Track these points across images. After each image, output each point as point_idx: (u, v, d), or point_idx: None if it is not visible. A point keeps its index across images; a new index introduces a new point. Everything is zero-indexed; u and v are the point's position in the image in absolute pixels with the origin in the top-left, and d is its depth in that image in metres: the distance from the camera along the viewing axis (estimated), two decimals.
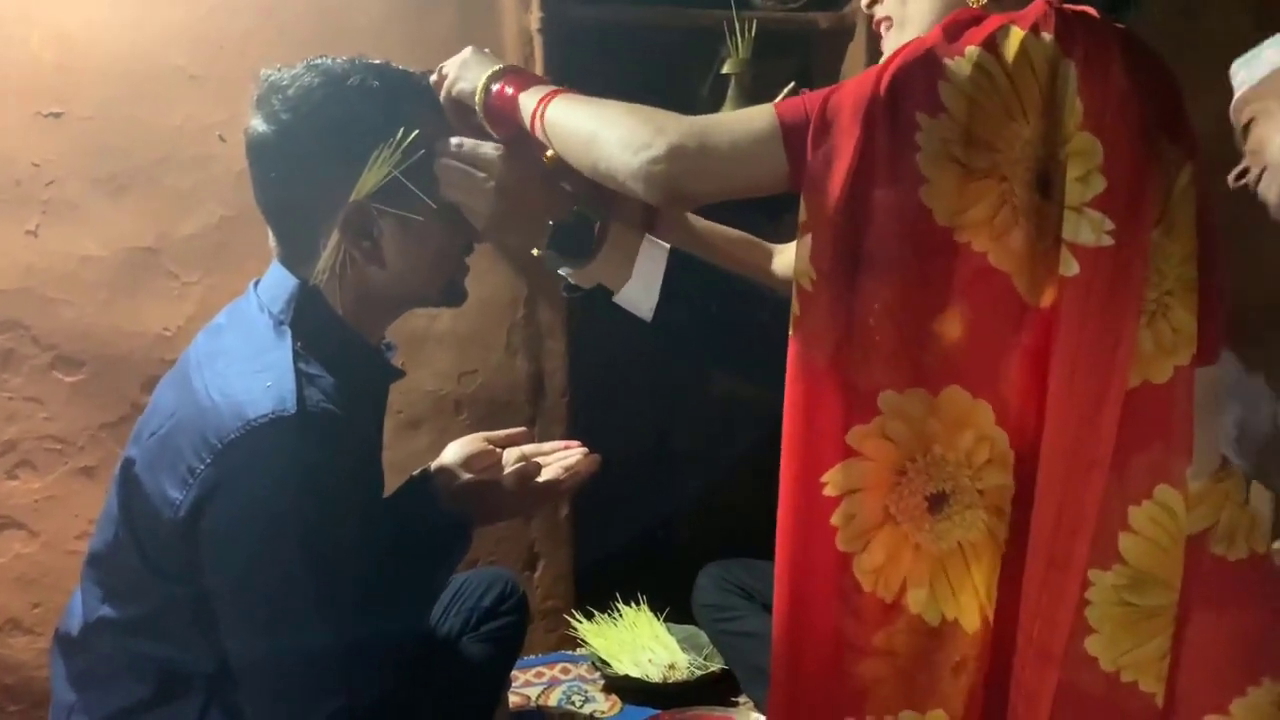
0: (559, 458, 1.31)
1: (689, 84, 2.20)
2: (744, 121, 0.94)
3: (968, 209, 0.85)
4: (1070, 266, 0.84)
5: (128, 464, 1.05)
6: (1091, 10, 0.88)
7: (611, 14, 2.03)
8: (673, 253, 1.10)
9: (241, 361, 1.02)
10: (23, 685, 1.87)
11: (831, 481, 0.90)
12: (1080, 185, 0.83)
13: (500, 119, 1.08)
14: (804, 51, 2.27)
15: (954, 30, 0.87)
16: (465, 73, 1.11)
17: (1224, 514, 0.93)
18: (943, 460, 0.89)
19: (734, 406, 2.16)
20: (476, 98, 1.08)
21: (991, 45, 0.84)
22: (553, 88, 1.05)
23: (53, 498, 1.84)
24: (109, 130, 1.78)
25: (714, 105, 2.09)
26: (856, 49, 2.09)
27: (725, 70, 2.06)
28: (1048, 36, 0.83)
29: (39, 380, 1.81)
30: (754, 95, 2.06)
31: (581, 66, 1.96)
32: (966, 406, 0.88)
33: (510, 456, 1.32)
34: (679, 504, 2.48)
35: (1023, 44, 0.83)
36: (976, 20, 0.87)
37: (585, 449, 1.33)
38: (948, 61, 0.84)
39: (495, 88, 1.07)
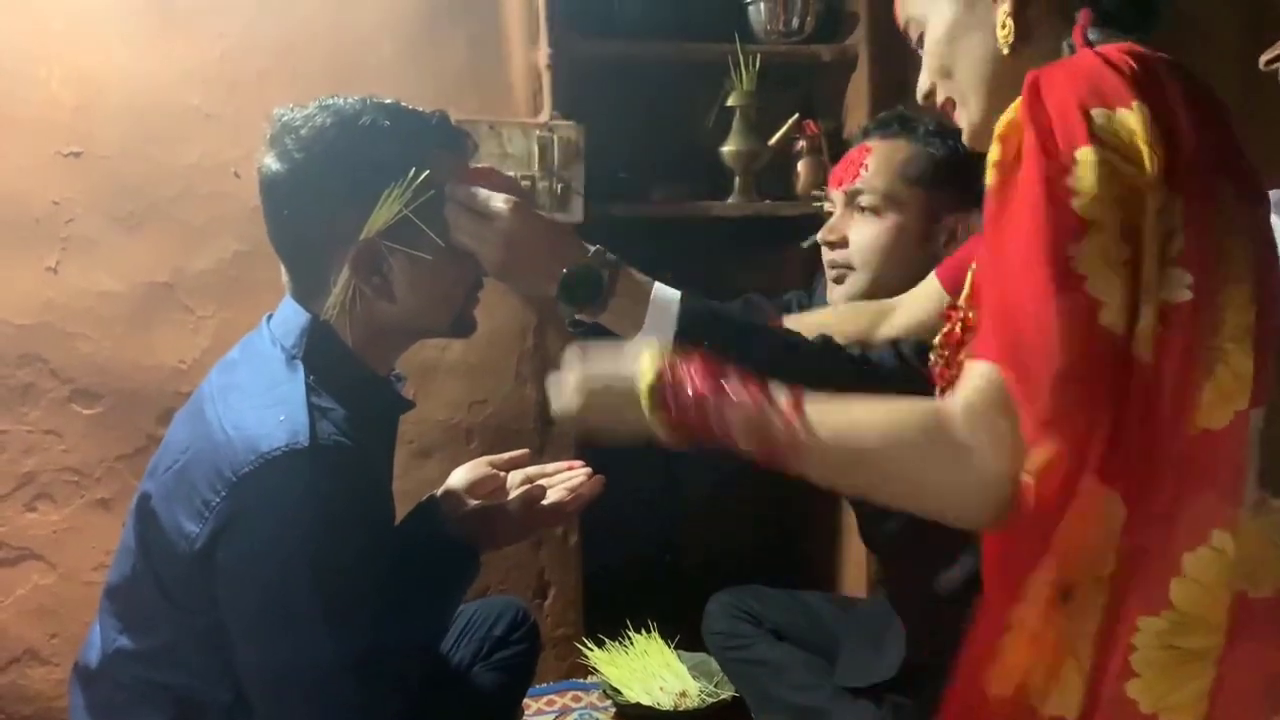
0: (563, 479, 1.32)
1: (694, 117, 2.23)
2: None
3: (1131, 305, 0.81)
4: (1150, 321, 0.81)
5: (144, 498, 1.07)
6: (1134, 49, 0.85)
7: (618, 49, 2.07)
8: (684, 302, 1.11)
9: (255, 395, 1.04)
10: (41, 716, 1.88)
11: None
12: (1168, 242, 0.81)
13: (686, 432, 0.91)
14: (807, 84, 2.30)
15: (1042, 133, 0.82)
16: (608, 397, 0.95)
17: (1251, 550, 0.89)
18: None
19: None
20: (649, 416, 0.91)
21: (1096, 138, 0.80)
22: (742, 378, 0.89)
23: (71, 529, 1.87)
24: (126, 168, 1.82)
25: (719, 137, 2.12)
26: (859, 81, 2.12)
27: (730, 103, 2.10)
28: (1135, 104, 0.80)
29: (57, 413, 1.84)
30: (759, 127, 2.10)
31: (589, 101, 2.00)
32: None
33: (515, 479, 1.33)
34: (688, 531, 2.48)
35: (1120, 125, 0.80)
36: (1036, 96, 0.83)
37: (589, 470, 1.34)
38: (1068, 180, 0.80)
39: (671, 393, 0.90)
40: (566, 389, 0.97)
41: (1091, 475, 0.82)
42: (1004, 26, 0.92)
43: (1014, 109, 0.85)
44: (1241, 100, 2.26)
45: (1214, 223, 0.83)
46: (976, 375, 0.83)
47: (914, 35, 1.04)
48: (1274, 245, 0.91)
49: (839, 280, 1.52)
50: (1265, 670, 0.91)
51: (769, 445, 0.87)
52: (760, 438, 0.87)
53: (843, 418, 0.87)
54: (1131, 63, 0.83)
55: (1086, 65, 0.84)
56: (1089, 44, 0.89)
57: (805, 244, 1.76)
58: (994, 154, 0.85)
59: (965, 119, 1.00)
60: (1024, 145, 0.83)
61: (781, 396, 0.87)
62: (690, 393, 0.89)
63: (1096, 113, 0.81)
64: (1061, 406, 0.80)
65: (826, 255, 1.55)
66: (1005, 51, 0.93)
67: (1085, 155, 0.80)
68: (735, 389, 0.88)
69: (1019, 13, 0.92)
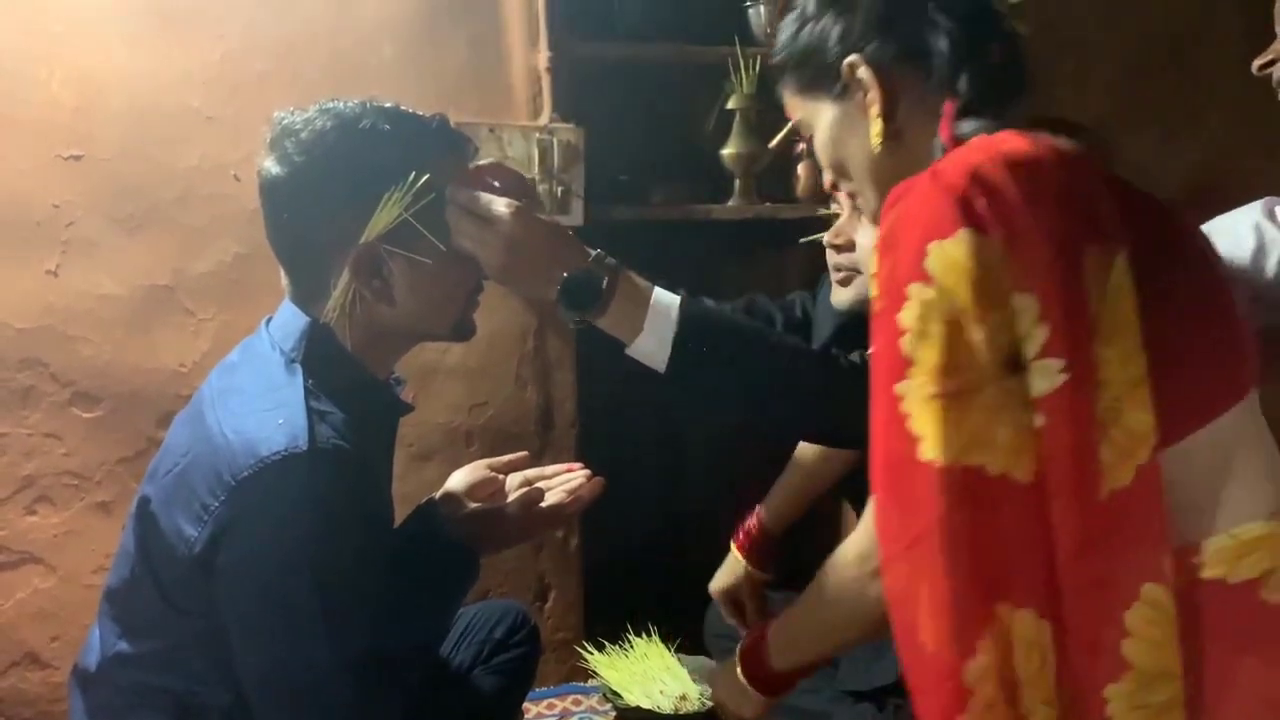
0: (561, 481, 1.32)
1: (694, 119, 2.23)
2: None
3: (972, 438, 0.84)
4: (1038, 420, 0.83)
5: (143, 501, 1.07)
6: (987, 143, 0.85)
7: (618, 52, 2.07)
8: (685, 306, 1.11)
9: (254, 399, 1.04)
10: (41, 719, 1.88)
11: None
12: (1027, 343, 0.82)
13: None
14: None
15: (887, 265, 0.85)
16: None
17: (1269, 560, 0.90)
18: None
19: (744, 437, 2.17)
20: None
21: (924, 274, 0.82)
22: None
23: (70, 532, 1.87)
24: (127, 171, 1.82)
25: (719, 139, 2.12)
26: None
27: (730, 105, 2.10)
28: (960, 232, 0.80)
29: (57, 416, 1.84)
30: (759, 130, 2.09)
31: (589, 104, 2.00)
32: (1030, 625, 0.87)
33: (514, 482, 1.33)
34: (689, 534, 2.48)
35: (946, 258, 0.81)
36: (889, 226, 0.86)
37: (588, 471, 1.34)
38: (900, 317, 0.83)
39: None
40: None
41: (999, 603, 0.84)
42: (875, 127, 0.95)
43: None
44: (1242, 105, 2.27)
45: (1079, 300, 0.83)
46: (867, 512, 0.95)
47: (805, 137, 1.07)
48: (1198, 253, 0.92)
49: (845, 283, 1.52)
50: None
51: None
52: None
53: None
54: (983, 169, 0.82)
55: (922, 192, 0.84)
56: (958, 138, 0.90)
57: (804, 240, 1.76)
58: (872, 267, 0.87)
59: (865, 210, 1.04)
60: (878, 276, 0.86)
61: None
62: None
63: (932, 245, 0.81)
64: (895, 549, 0.87)
65: (832, 258, 1.54)
66: (878, 151, 0.96)
67: (912, 291, 0.81)
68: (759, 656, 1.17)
69: (887, 113, 0.94)
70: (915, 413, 0.83)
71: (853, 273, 1.52)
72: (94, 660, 1.13)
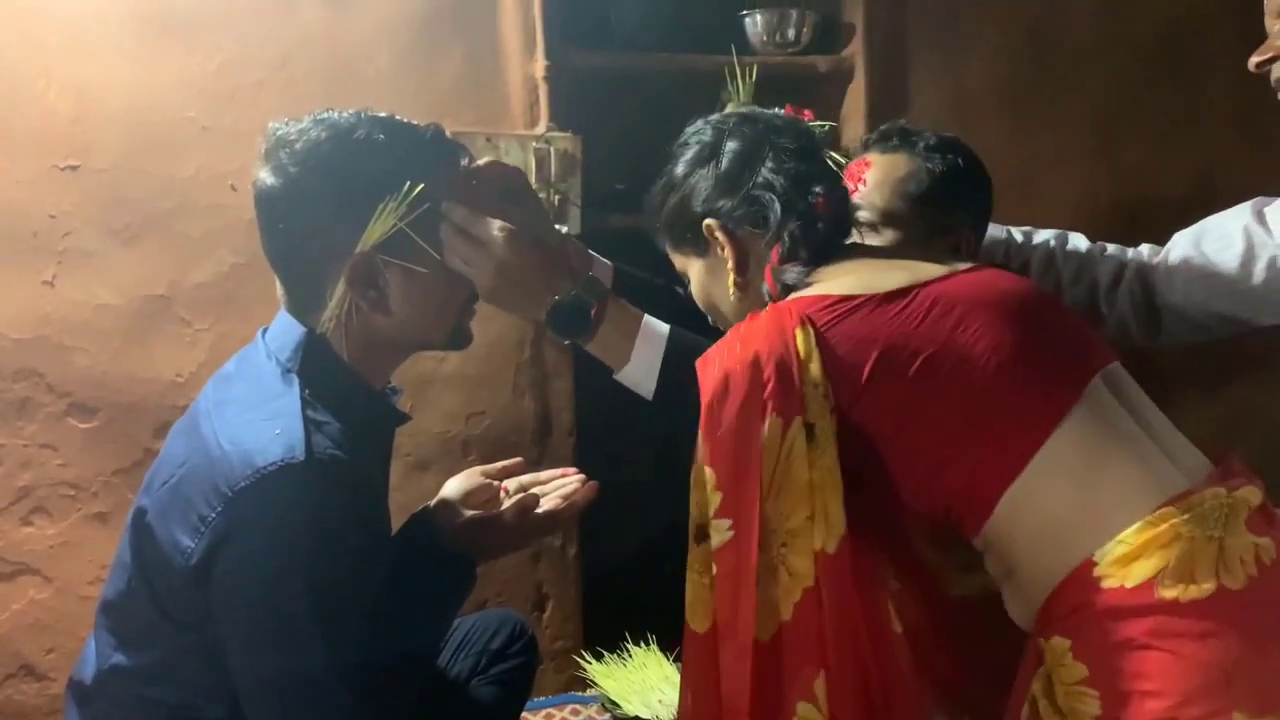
0: (556, 486, 1.33)
1: None
2: None
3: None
4: (713, 569, 1.02)
5: (139, 513, 1.07)
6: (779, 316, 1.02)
7: (615, 61, 2.07)
8: (673, 337, 1.12)
9: (250, 410, 1.04)
10: None
11: None
12: (708, 508, 1.01)
13: None
14: (804, 95, 2.30)
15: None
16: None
17: (1174, 552, 0.91)
18: None
19: None
20: None
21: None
22: None
23: (67, 543, 1.86)
24: (123, 181, 1.82)
25: None
26: (855, 92, 2.13)
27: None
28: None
29: (54, 427, 1.84)
30: None
31: (586, 113, 2.00)
32: None
33: (510, 487, 1.33)
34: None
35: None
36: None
37: (582, 476, 1.34)
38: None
39: None
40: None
41: None
42: (729, 280, 1.13)
43: None
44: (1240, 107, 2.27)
45: (745, 462, 0.99)
46: None
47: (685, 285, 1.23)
48: (930, 356, 1.01)
49: None
50: (1210, 668, 0.91)
51: None
52: None
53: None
54: (721, 364, 1.02)
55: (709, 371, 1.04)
56: (782, 284, 1.09)
57: None
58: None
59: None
60: None
61: None
62: None
63: None
64: None
65: None
66: (734, 299, 1.14)
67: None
68: None
69: (739, 266, 1.13)
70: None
71: None
72: (90, 673, 1.12)
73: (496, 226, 1.09)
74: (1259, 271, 1.32)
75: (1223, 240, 1.36)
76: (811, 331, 1.00)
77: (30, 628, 1.86)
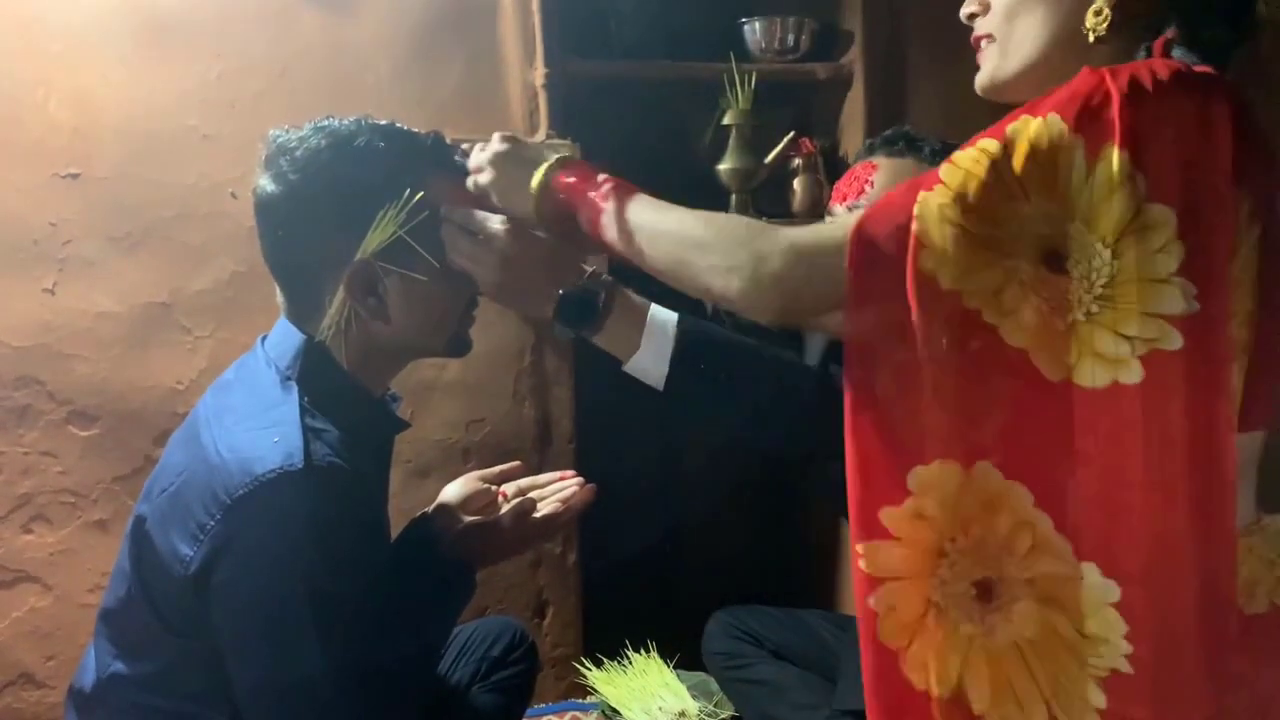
0: (555, 490, 1.32)
1: (690, 135, 2.23)
2: (842, 236, 0.89)
3: (972, 274, 0.82)
4: (1170, 340, 0.80)
5: (139, 521, 1.07)
6: (1170, 67, 0.84)
7: (614, 69, 2.08)
8: (682, 323, 1.11)
9: (249, 417, 1.04)
10: None
11: (867, 557, 0.87)
12: (1163, 257, 0.80)
13: (554, 208, 1.06)
14: (803, 102, 2.31)
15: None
16: (509, 168, 1.08)
17: (1247, 567, 0.90)
18: (983, 543, 0.85)
19: (742, 453, 2.17)
20: (536, 181, 1.05)
21: (1004, 139, 0.83)
22: (622, 185, 1.04)
23: (67, 551, 1.86)
24: (124, 189, 1.83)
25: (716, 155, 2.13)
26: (854, 98, 2.13)
27: (726, 121, 2.10)
28: (1058, 121, 0.81)
29: (54, 435, 1.84)
30: (755, 145, 2.10)
31: (585, 120, 2.01)
32: (998, 485, 0.84)
33: (509, 491, 1.33)
34: (687, 550, 2.48)
35: (1033, 137, 0.81)
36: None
37: (581, 479, 1.33)
38: (957, 153, 0.84)
39: (563, 179, 1.05)
40: (482, 157, 1.10)
41: (986, 464, 0.84)
42: (1099, 13, 0.91)
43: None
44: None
45: (1220, 232, 0.82)
46: (838, 220, 0.92)
47: None
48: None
49: None
50: (1265, 684, 0.91)
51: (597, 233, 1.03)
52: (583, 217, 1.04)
53: (659, 211, 1.00)
54: (1132, 83, 0.82)
55: (1084, 77, 0.84)
56: (1166, 56, 0.89)
57: None
58: (992, 147, 0.84)
59: (994, 64, 0.99)
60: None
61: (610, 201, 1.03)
62: (566, 186, 1.06)
63: (1033, 120, 0.82)
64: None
65: None
66: (1086, 34, 0.92)
67: (983, 143, 0.83)
68: (591, 195, 1.04)
69: (1121, 6, 0.90)
70: (928, 224, 0.82)
71: None
72: (90, 681, 1.12)
73: (499, 221, 1.09)
74: None
75: None
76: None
77: (30, 635, 1.86)
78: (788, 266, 0.89)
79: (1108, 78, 0.82)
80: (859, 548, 0.87)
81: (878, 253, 0.85)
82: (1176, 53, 0.90)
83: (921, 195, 0.83)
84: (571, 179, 1.05)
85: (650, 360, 1.10)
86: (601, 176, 1.05)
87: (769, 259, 0.89)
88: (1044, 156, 0.81)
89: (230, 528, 0.97)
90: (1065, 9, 0.93)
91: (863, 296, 0.86)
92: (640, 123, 2.23)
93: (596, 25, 2.09)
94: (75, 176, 1.81)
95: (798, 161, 2.15)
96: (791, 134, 2.12)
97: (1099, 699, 0.83)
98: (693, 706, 1.95)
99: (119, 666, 1.09)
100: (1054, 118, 0.82)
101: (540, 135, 1.96)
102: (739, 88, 2.06)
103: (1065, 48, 0.93)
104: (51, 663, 1.87)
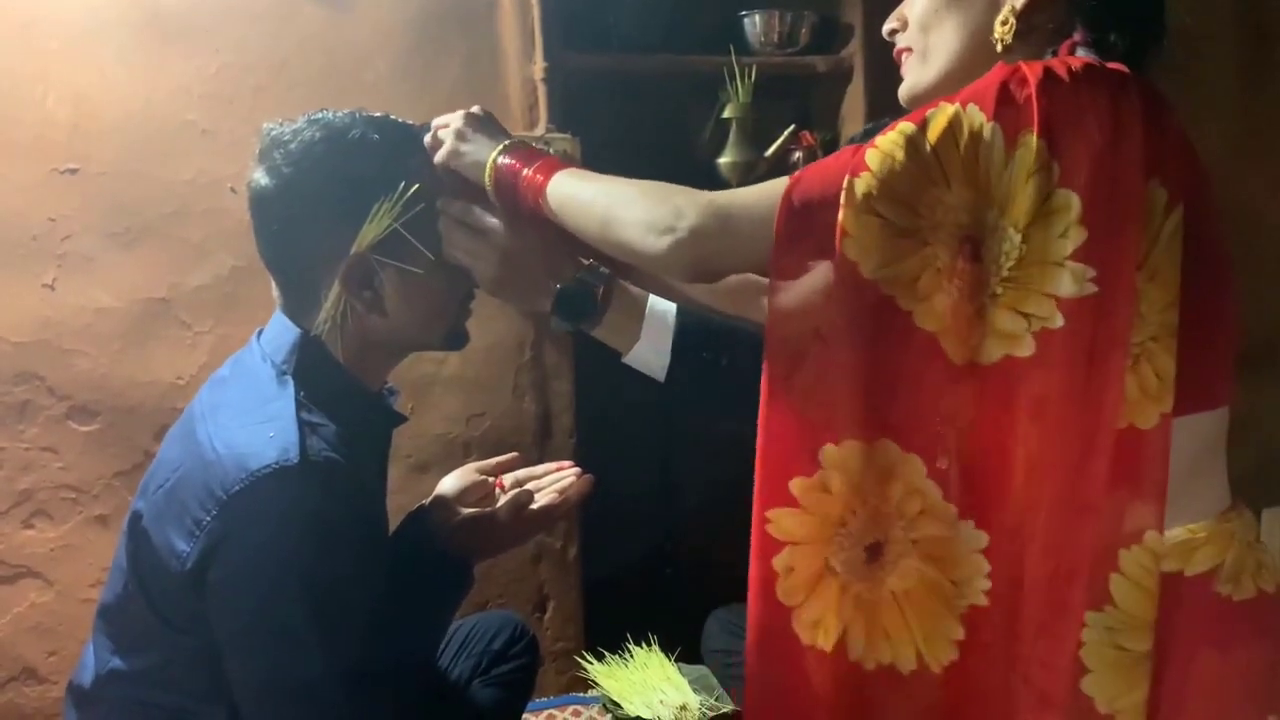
0: (552, 481, 1.32)
1: (691, 129, 2.23)
2: (764, 198, 0.92)
3: (891, 264, 0.86)
4: (1055, 320, 0.85)
5: (135, 517, 1.07)
6: (1083, 60, 0.87)
7: (614, 63, 2.07)
8: (681, 313, 1.10)
9: (244, 413, 1.03)
10: None
11: (774, 521, 0.93)
12: (1061, 240, 0.83)
13: (506, 195, 1.08)
14: (803, 95, 2.31)
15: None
16: (467, 145, 1.10)
17: (1230, 554, 0.92)
18: (878, 512, 0.91)
19: (742, 446, 2.17)
20: (486, 173, 1.08)
21: (921, 120, 0.86)
22: (555, 162, 1.06)
23: (68, 546, 1.86)
24: (123, 185, 1.82)
25: (716, 149, 2.12)
26: (855, 92, 2.12)
27: (726, 115, 2.10)
28: (976, 111, 0.84)
29: (54, 430, 1.84)
30: (755, 139, 2.10)
31: (585, 114, 2.00)
32: (896, 458, 0.90)
33: (507, 482, 1.33)
34: (688, 543, 2.47)
35: (950, 118, 0.84)
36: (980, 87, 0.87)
37: (578, 469, 1.33)
38: (879, 137, 0.87)
39: (502, 163, 1.07)
40: (446, 133, 1.12)
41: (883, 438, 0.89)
42: (1005, 22, 0.96)
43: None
44: (1239, 105, 2.27)
45: (1127, 218, 0.84)
46: (757, 189, 0.93)
47: None
48: (1222, 254, 0.92)
49: None
50: (1241, 671, 0.92)
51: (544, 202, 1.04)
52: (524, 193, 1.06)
53: (595, 182, 1.02)
54: (1045, 72, 0.85)
55: (995, 71, 0.87)
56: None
57: None
58: (908, 128, 0.87)
59: (914, 75, 1.03)
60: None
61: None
62: (508, 164, 1.07)
63: (952, 108, 0.85)
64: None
65: None
66: (995, 45, 0.96)
67: (903, 126, 0.86)
68: (530, 169, 1.06)
69: (1025, 15, 0.95)
70: (850, 212, 0.86)
71: None
72: (88, 677, 1.12)
73: (496, 214, 1.08)
74: None
75: None
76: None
77: (31, 631, 1.86)
78: (706, 222, 0.92)
79: (1023, 67, 0.85)
80: (768, 514, 0.93)
81: (805, 225, 0.88)
82: (1081, 52, 0.93)
83: (847, 181, 0.86)
84: (510, 161, 1.07)
85: (650, 351, 1.10)
86: (537, 156, 1.07)
87: (686, 214, 0.92)
88: (965, 145, 0.84)
89: (226, 524, 0.97)
90: (974, 20, 0.98)
91: (787, 262, 0.90)
92: (640, 116, 2.22)
93: (596, 19, 2.09)
94: (74, 172, 1.80)
95: (798, 155, 2.15)
96: (792, 127, 2.12)
97: (958, 631, 0.91)
98: (694, 700, 1.95)
99: (117, 663, 1.09)
100: (973, 107, 0.84)
101: (540, 129, 1.95)
102: (739, 81, 2.06)
103: (977, 55, 0.97)
104: (53, 658, 1.87)
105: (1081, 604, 0.88)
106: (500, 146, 1.09)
